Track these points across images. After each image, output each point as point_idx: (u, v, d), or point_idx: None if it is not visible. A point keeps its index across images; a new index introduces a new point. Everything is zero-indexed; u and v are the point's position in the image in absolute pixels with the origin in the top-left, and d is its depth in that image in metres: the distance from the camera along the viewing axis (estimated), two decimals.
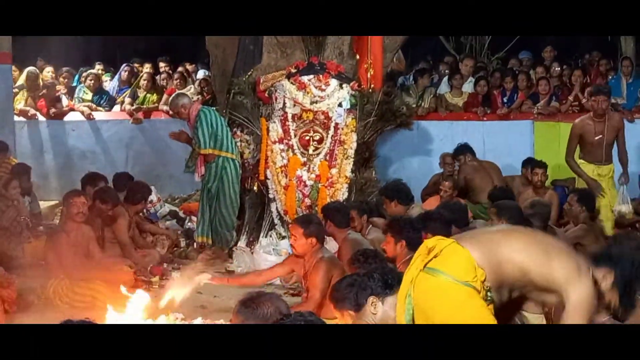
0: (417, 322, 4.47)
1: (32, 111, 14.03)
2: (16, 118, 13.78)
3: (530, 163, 11.67)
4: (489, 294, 4.43)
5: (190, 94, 13.77)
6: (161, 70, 15.44)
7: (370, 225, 9.06)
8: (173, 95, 11.90)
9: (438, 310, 4.42)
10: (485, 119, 13.70)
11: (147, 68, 15.39)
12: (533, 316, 6.21)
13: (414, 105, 13.01)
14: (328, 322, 4.62)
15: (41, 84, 14.41)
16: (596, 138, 10.09)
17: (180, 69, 15.24)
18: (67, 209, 8.82)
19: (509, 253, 4.48)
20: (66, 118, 14.21)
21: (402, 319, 4.53)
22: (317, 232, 7.37)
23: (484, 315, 4.39)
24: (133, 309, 6.93)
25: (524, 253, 4.49)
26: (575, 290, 4.42)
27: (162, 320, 7.47)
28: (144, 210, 11.00)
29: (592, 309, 4.50)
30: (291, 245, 7.66)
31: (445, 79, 14.43)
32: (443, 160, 12.59)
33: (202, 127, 10.28)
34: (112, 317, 6.85)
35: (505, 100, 13.97)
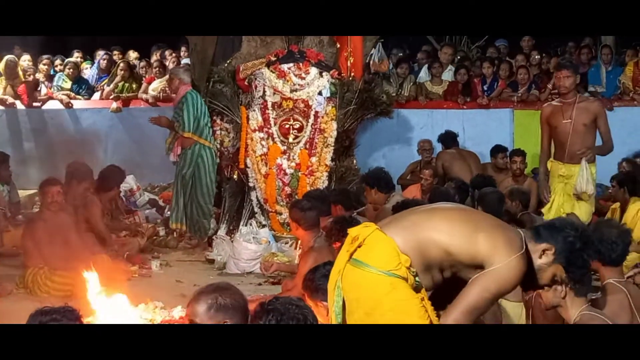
0: (347, 313, 4.39)
1: (11, 100, 13.95)
2: None
3: (499, 151, 11.86)
4: (416, 279, 4.32)
5: (167, 82, 13.75)
6: (137, 59, 15.36)
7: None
8: (180, 67, 12.18)
9: (363, 303, 4.33)
10: (465, 107, 13.73)
11: (133, 57, 15.34)
12: (511, 304, 6.24)
13: (394, 94, 13.01)
14: None
15: (19, 72, 14.34)
16: (564, 122, 8.82)
17: (155, 57, 15.19)
18: (44, 196, 8.78)
19: (431, 235, 4.36)
20: (45, 106, 14.16)
21: (332, 310, 4.45)
22: (296, 218, 7.38)
23: (408, 306, 4.30)
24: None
25: (447, 233, 4.35)
26: (497, 261, 4.26)
27: (141, 308, 7.49)
28: (123, 199, 10.96)
29: (508, 284, 4.31)
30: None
31: (425, 67, 14.45)
32: (421, 147, 12.66)
33: (187, 109, 10.35)
34: (91, 306, 6.85)
35: (485, 88, 14.00)
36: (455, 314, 4.28)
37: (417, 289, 4.34)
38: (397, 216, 4.68)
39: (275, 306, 3.86)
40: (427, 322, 4.32)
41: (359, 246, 4.40)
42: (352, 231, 4.53)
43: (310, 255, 7.14)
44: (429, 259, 4.36)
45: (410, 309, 4.31)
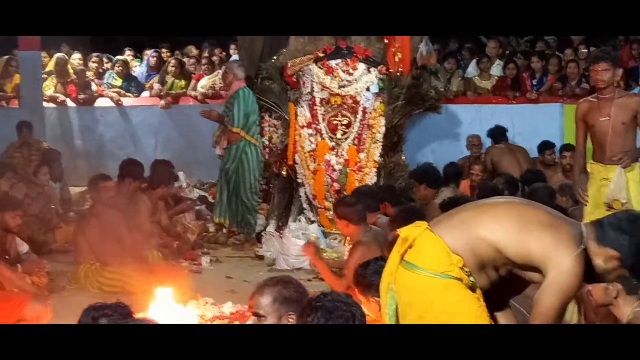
0: (400, 315, 4.35)
1: (62, 97, 14.10)
2: (45, 104, 13.89)
3: (546, 147, 11.78)
4: (470, 278, 4.26)
5: (217, 79, 13.82)
6: (190, 55, 15.45)
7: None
8: (235, 61, 12.28)
9: (416, 306, 4.29)
10: (514, 102, 13.65)
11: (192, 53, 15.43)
12: None
13: (442, 89, 12.95)
14: None
15: (70, 69, 14.49)
16: (601, 119, 7.73)
17: (206, 54, 15.28)
18: (96, 193, 8.84)
19: (481, 232, 4.27)
20: (95, 104, 14.30)
21: (385, 313, 4.41)
22: (343, 214, 7.37)
23: (463, 307, 4.25)
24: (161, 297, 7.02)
25: (496, 231, 4.26)
26: (552, 268, 4.16)
27: (191, 305, 7.54)
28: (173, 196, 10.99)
29: (571, 290, 4.21)
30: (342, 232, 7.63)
31: (474, 62, 14.38)
32: (470, 142, 12.61)
33: (238, 104, 10.38)
34: (143, 303, 6.92)
35: (534, 83, 13.90)
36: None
37: (472, 288, 4.28)
38: (446, 214, 4.61)
39: (324, 303, 3.84)
40: (484, 322, 4.27)
41: (410, 247, 4.36)
42: (403, 231, 4.47)
43: (358, 248, 7.10)
44: (481, 257, 4.28)
45: (465, 310, 4.26)
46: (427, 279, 4.26)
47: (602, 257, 4.24)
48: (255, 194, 10.56)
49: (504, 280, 4.39)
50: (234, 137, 10.39)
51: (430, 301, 4.26)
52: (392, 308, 4.37)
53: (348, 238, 8.08)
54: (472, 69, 14.27)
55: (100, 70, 14.94)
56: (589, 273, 4.27)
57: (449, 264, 4.24)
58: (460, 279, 4.24)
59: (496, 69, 14.16)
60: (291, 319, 4.17)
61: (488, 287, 4.35)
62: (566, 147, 11.31)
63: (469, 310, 4.26)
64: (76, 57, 14.81)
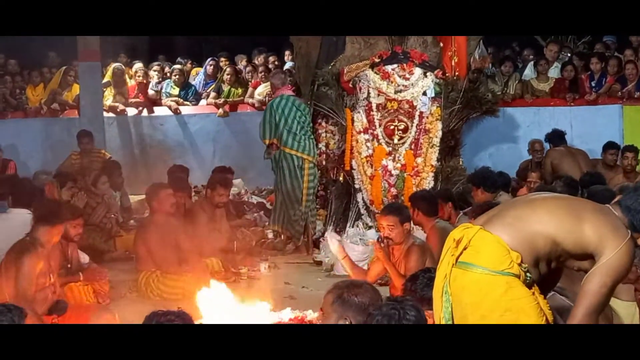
0: (459, 318, 4.34)
1: (121, 107, 14.27)
2: (105, 114, 14.05)
3: (610, 147, 11.64)
4: (528, 275, 4.28)
5: None
6: (244, 64, 15.53)
7: (461, 213, 8.95)
8: (273, 71, 12.59)
9: (479, 305, 4.28)
10: (572, 104, 13.51)
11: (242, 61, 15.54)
12: (624, 304, 6.09)
13: (499, 92, 12.87)
14: None
15: (127, 79, 14.65)
16: None
17: (260, 60, 15.35)
18: (157, 202, 8.88)
19: (537, 227, 4.30)
20: (154, 113, 14.44)
21: (440, 316, 4.40)
22: (410, 217, 7.40)
23: (526, 304, 4.27)
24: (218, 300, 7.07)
25: (552, 223, 4.30)
26: (608, 250, 4.21)
27: (250, 309, 7.56)
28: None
29: (622, 272, 4.27)
30: (386, 237, 7.53)
31: (531, 64, 14.26)
32: (532, 147, 12.50)
33: (264, 116, 10.69)
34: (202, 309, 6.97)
35: (593, 84, 13.75)
36: (580, 316, 4.25)
37: (529, 284, 4.30)
38: (495, 213, 4.55)
39: (383, 312, 3.90)
40: (543, 318, 4.29)
41: (464, 248, 4.36)
42: (454, 234, 4.47)
43: (415, 250, 7.16)
44: (538, 252, 4.31)
45: (527, 307, 4.28)
46: (490, 277, 4.27)
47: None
48: (294, 202, 10.61)
49: (546, 275, 4.44)
50: (273, 147, 10.61)
51: (495, 299, 4.27)
52: (447, 311, 4.38)
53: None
54: (529, 72, 14.15)
55: (160, 79, 15.03)
56: None
57: (509, 261, 4.26)
58: (519, 276, 4.26)
59: (554, 71, 14.02)
60: (345, 322, 4.23)
61: (538, 280, 4.37)
62: (628, 149, 11.22)
63: (530, 307, 4.28)
64: (138, 67, 14.93)
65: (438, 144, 10.26)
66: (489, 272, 4.27)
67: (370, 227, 10.07)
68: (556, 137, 12.22)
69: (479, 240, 4.35)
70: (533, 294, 4.32)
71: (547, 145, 12.41)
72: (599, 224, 4.28)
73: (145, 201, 9.72)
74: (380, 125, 10.28)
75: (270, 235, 10.97)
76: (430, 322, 4.96)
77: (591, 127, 13.27)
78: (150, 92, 14.55)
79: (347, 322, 4.22)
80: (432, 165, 10.24)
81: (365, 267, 9.05)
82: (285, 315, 7.58)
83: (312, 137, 10.67)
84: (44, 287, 6.82)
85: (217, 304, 7.20)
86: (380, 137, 10.28)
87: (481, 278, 4.29)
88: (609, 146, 11.82)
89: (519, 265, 4.26)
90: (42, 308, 6.75)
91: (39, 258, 6.76)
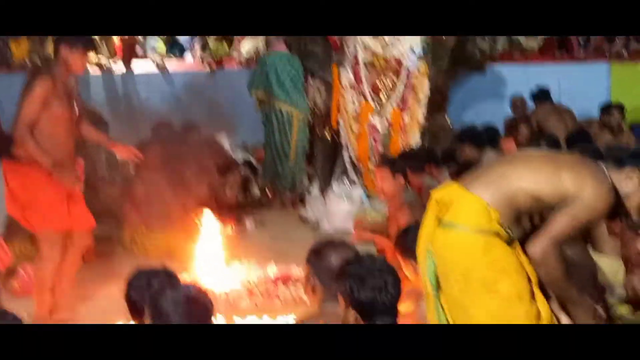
0: (441, 276, 4.35)
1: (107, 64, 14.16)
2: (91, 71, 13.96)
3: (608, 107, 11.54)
4: (508, 232, 4.28)
5: (261, 43, 13.77)
6: None
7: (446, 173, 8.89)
8: None
9: (459, 264, 4.29)
10: (560, 61, 13.49)
11: None
12: (609, 260, 6.11)
13: (488, 50, 12.81)
14: None
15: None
16: None
17: None
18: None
19: (518, 183, 4.30)
20: (138, 71, 14.34)
21: (425, 274, 4.41)
22: (402, 169, 7.37)
23: (506, 264, 4.27)
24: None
25: (531, 176, 4.32)
26: (586, 192, 4.24)
27: (236, 266, 7.59)
28: None
29: (596, 214, 4.32)
30: (379, 190, 7.56)
31: None
32: (513, 104, 12.46)
33: (256, 69, 10.95)
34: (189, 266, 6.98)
35: (581, 42, 13.73)
36: (543, 244, 4.27)
37: (510, 242, 4.30)
38: (479, 171, 4.56)
39: (359, 272, 3.87)
40: (524, 278, 4.29)
41: (445, 208, 4.36)
42: (435, 193, 4.47)
43: (405, 211, 7.10)
44: (519, 208, 4.31)
45: (507, 267, 4.27)
46: (470, 236, 4.26)
47: (623, 181, 4.41)
48: (285, 157, 10.61)
49: (533, 230, 4.41)
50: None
51: (475, 259, 4.26)
52: (430, 270, 4.38)
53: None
54: None
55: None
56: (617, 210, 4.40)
57: (488, 220, 4.25)
58: (498, 233, 4.26)
59: None
60: (309, 284, 4.37)
61: (523, 238, 4.36)
62: (614, 106, 11.13)
63: (511, 267, 4.28)
64: None
65: (425, 102, 10.22)
66: (469, 230, 4.26)
67: (354, 183, 10.08)
68: (541, 95, 12.17)
69: (459, 199, 4.34)
70: (517, 255, 4.32)
71: (532, 105, 12.37)
72: (577, 171, 4.31)
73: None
74: (367, 82, 10.23)
75: (256, 191, 10.95)
76: (416, 276, 4.99)
77: (579, 84, 13.25)
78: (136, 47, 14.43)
79: (311, 284, 4.32)
80: (418, 123, 10.21)
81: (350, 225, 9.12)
82: (270, 271, 7.61)
83: (303, 93, 10.64)
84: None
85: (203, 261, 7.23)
86: (367, 94, 10.23)
87: (461, 237, 4.29)
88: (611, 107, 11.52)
89: (499, 223, 4.26)
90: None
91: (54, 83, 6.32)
